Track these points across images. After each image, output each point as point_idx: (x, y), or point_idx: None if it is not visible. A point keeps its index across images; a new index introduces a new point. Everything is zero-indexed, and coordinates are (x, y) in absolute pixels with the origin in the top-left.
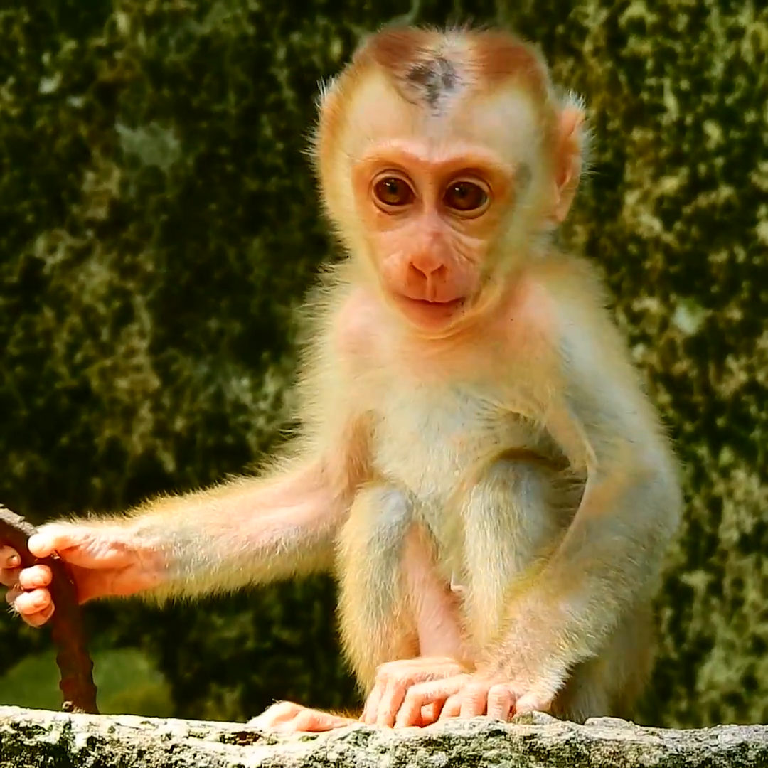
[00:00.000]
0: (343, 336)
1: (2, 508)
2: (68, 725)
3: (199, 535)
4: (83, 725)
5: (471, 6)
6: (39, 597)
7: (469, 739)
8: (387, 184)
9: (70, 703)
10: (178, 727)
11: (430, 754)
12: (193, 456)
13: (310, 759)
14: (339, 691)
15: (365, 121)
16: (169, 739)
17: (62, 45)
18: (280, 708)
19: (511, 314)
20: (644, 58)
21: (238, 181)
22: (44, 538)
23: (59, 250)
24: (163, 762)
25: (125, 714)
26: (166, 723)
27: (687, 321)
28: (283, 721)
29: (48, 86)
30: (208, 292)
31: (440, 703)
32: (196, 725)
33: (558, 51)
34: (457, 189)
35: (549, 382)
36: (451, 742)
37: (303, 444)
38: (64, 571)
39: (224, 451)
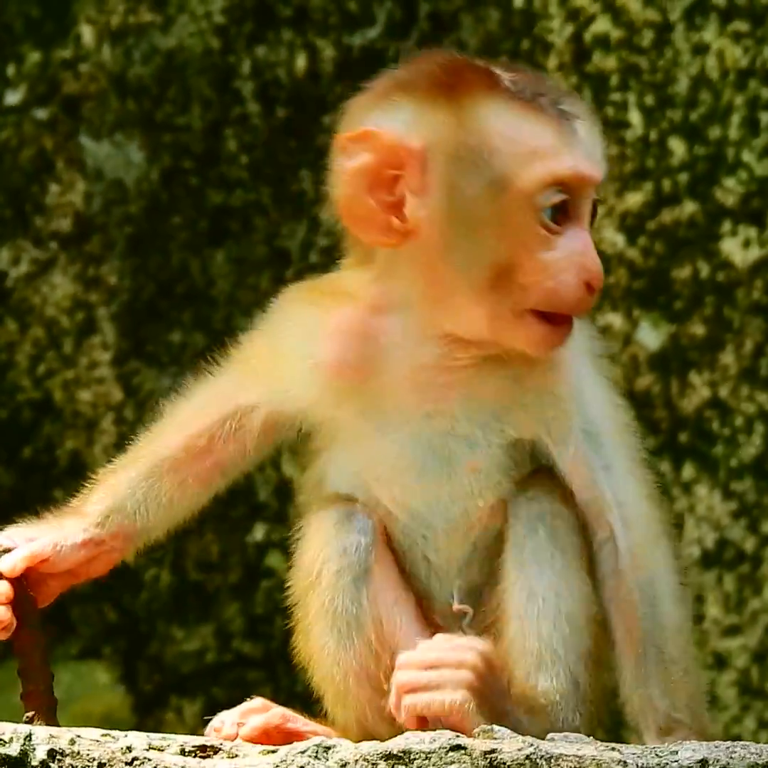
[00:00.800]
0: (336, 366)
1: None
2: (29, 737)
3: (155, 500)
4: (44, 737)
5: (436, 21)
6: (2, 613)
7: (429, 753)
8: (557, 204)
9: (30, 715)
10: (138, 739)
11: None
12: None
13: None
14: (300, 705)
15: (519, 146)
16: (130, 751)
17: (27, 57)
18: (253, 702)
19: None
20: (609, 73)
21: (201, 195)
22: (14, 559)
23: (23, 262)
24: None
25: (86, 726)
26: (126, 735)
27: (650, 337)
28: (253, 714)
29: (12, 98)
30: (172, 305)
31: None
32: (156, 738)
33: (523, 66)
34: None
35: (570, 415)
36: (412, 757)
37: (233, 376)
38: (23, 583)
39: None
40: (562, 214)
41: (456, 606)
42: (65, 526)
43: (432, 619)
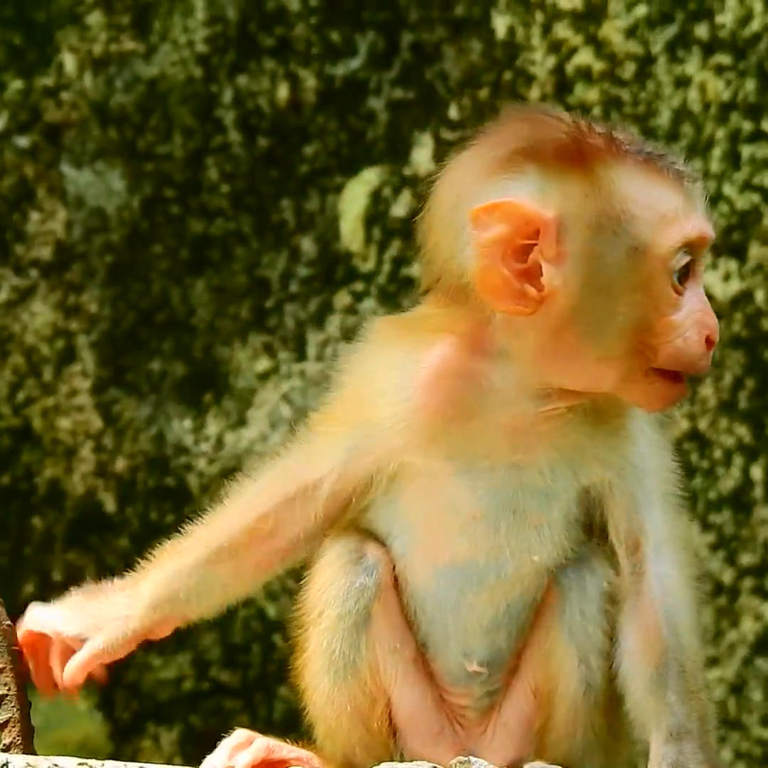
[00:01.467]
0: (434, 406)
1: None
2: (5, 765)
3: (209, 589)
4: (21, 766)
5: (418, 51)
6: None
7: None
8: (685, 266)
9: (7, 743)
10: None
11: None
12: (134, 497)
13: None
14: (277, 733)
15: (654, 211)
16: None
17: (9, 85)
18: (237, 736)
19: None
20: (591, 105)
21: (182, 224)
22: (73, 670)
23: (3, 290)
24: None
25: (63, 753)
26: (103, 764)
27: None
28: (240, 751)
29: None
30: (152, 333)
31: None
32: (133, 767)
33: (505, 98)
34: None
35: (627, 455)
36: None
37: (312, 446)
38: None
39: (165, 493)
40: (684, 275)
41: (472, 667)
42: (108, 625)
43: (431, 669)
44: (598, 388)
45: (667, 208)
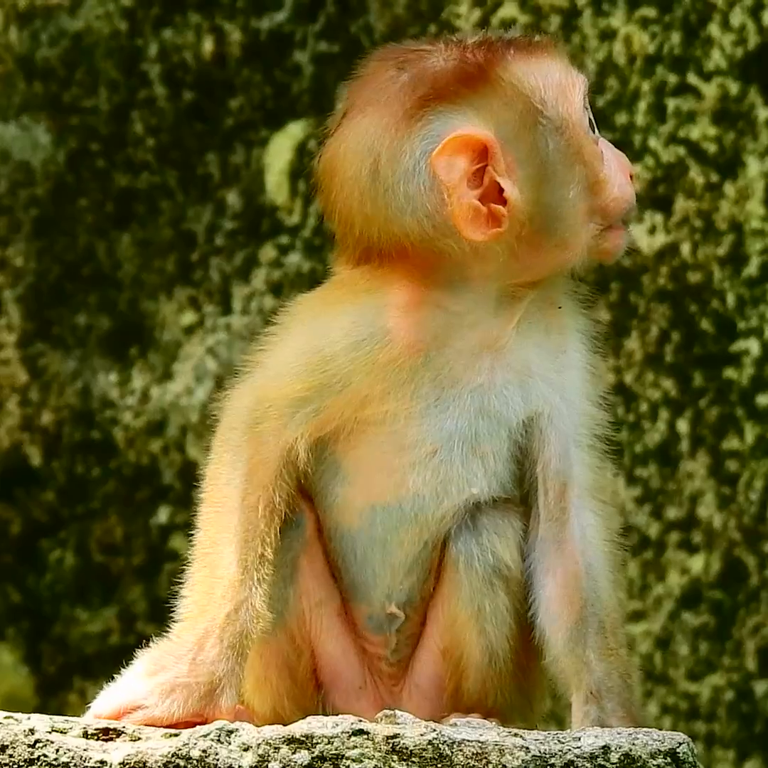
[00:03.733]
0: (406, 341)
1: None
2: None
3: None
4: None
5: (343, 4)
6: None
7: (331, 737)
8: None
9: None
10: (41, 722)
11: (293, 753)
12: (60, 451)
13: (172, 756)
14: None
15: (556, 87)
16: (32, 734)
17: None
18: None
19: (553, 314)
20: None
21: (108, 177)
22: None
23: None
24: (26, 757)
25: None
26: (29, 718)
27: None
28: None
29: None
30: (77, 287)
31: None
32: (59, 720)
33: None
34: None
35: (572, 378)
36: (314, 741)
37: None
38: None
39: (91, 446)
40: (591, 129)
41: (391, 608)
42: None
43: (353, 616)
44: (561, 269)
45: (559, 78)
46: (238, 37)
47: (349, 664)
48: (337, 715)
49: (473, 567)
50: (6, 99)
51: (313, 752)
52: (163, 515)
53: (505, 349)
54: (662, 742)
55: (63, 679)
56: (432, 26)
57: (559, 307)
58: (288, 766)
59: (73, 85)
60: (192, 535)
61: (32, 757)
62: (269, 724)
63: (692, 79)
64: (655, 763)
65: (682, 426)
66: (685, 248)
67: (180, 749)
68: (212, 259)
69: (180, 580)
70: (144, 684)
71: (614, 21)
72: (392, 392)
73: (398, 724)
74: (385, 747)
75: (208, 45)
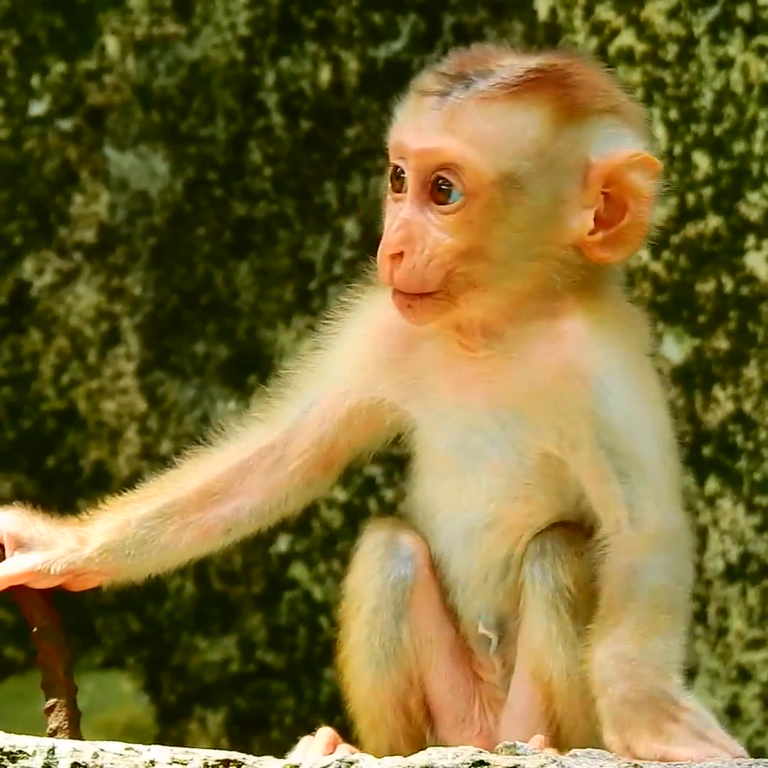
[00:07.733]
0: (383, 332)
1: None
2: (52, 751)
3: (153, 543)
4: (67, 751)
5: (460, 33)
6: None
7: None
8: (395, 171)
9: (54, 727)
10: (161, 753)
11: None
12: None
13: None
14: (323, 716)
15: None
16: (153, 765)
17: (51, 68)
18: (321, 736)
19: (552, 348)
20: (633, 87)
21: (225, 206)
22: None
23: (47, 272)
24: None
25: (109, 736)
26: (149, 749)
27: (674, 350)
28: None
29: (37, 109)
30: (195, 316)
31: None
32: (179, 752)
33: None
34: (438, 182)
35: (583, 424)
36: None
37: (270, 411)
38: (44, 596)
39: None
40: (403, 184)
41: (481, 629)
42: (56, 547)
43: (467, 647)
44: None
45: (400, 115)
46: (355, 65)
47: (456, 695)
48: (443, 745)
49: (538, 591)
50: (124, 128)
51: None
52: (282, 544)
53: (487, 377)
54: None
55: (183, 708)
56: None
57: (551, 353)
58: None
59: (190, 114)
60: (311, 562)
61: None
62: None
63: None
64: None
65: None
66: None
67: None
68: (330, 287)
69: (299, 608)
70: None
71: (732, 49)
72: (383, 379)
73: (518, 754)
74: None
75: (325, 74)
